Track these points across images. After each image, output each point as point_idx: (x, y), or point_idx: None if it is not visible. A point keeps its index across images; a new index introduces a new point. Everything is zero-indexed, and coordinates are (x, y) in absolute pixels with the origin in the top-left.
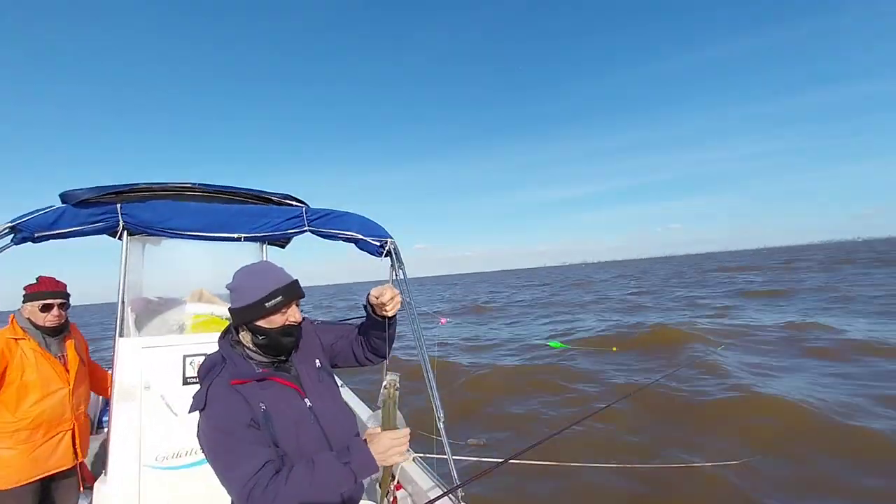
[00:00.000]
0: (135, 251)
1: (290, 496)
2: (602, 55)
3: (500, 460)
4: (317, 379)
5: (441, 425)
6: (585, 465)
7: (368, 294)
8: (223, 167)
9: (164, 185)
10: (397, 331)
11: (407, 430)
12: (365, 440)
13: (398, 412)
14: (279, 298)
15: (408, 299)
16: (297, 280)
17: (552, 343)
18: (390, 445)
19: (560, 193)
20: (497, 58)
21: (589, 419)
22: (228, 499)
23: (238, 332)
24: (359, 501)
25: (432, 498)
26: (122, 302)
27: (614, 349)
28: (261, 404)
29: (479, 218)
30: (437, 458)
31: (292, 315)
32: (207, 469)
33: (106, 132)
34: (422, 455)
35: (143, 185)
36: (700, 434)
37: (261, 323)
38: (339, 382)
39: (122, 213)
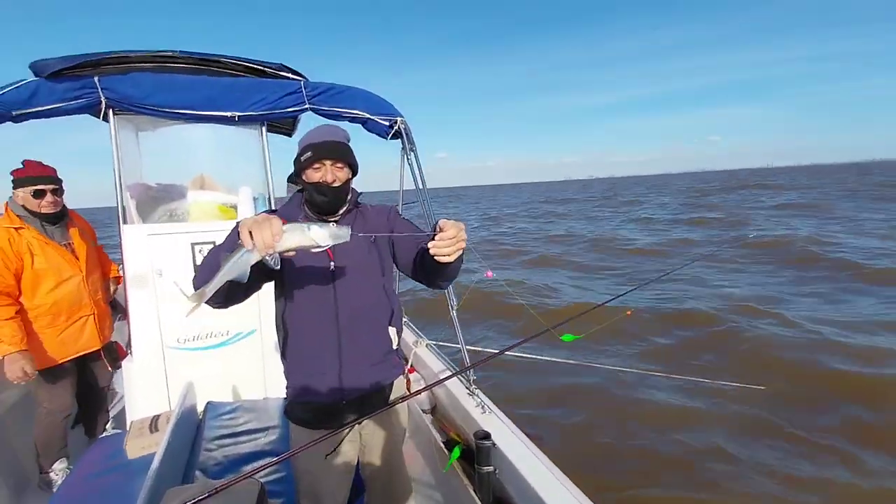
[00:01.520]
0: (128, 137)
1: (203, 262)
2: None
3: (509, 346)
4: (364, 250)
5: (454, 314)
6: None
7: (437, 221)
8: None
9: (144, 54)
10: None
11: (281, 230)
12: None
13: (308, 232)
14: (309, 154)
15: (421, 188)
16: (337, 140)
17: (565, 337)
18: (260, 220)
19: (594, 99)
20: None
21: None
22: (248, 376)
23: None
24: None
25: (442, 378)
26: (120, 188)
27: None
28: None
29: (502, 127)
30: (450, 346)
31: (325, 175)
32: (229, 350)
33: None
34: (435, 342)
35: (120, 53)
36: None
37: (304, 177)
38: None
39: (101, 88)
